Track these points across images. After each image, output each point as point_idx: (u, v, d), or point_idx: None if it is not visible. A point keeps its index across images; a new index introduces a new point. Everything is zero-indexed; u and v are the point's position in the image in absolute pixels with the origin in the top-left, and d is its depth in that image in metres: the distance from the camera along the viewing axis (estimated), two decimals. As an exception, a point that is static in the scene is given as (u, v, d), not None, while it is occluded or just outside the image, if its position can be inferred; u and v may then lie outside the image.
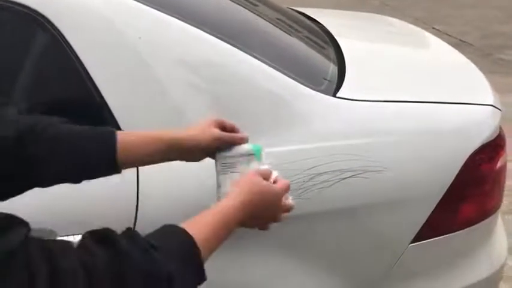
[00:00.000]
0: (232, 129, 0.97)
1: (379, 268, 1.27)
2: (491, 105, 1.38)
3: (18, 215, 0.63)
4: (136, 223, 1.06)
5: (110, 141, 0.89)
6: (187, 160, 0.97)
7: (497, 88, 1.56)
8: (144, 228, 1.06)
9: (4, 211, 0.63)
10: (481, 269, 1.39)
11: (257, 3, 1.74)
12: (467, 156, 1.25)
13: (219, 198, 0.91)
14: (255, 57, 1.21)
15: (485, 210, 1.35)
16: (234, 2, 1.59)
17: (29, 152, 0.85)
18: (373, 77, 1.44)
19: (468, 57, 1.73)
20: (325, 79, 1.35)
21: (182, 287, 0.71)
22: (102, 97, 1.07)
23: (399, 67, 1.57)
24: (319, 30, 1.76)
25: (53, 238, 0.64)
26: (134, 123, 1.07)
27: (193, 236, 0.73)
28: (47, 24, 1.05)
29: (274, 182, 0.90)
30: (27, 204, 0.84)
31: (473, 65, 1.65)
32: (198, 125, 0.95)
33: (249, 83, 1.19)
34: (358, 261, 1.25)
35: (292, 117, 1.18)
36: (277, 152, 1.08)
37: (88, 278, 0.62)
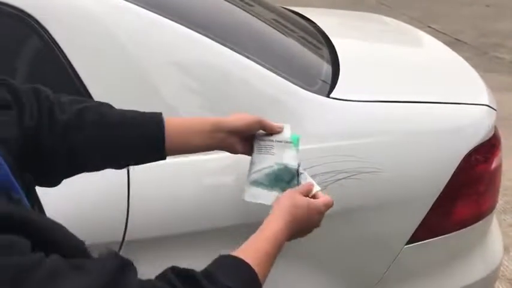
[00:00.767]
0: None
1: (375, 269, 1.27)
2: (487, 105, 1.37)
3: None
4: (127, 226, 1.05)
5: (159, 127, 0.90)
6: (229, 149, 0.99)
7: (492, 87, 1.55)
8: (135, 229, 1.06)
9: None
10: (476, 270, 1.39)
11: (252, 3, 1.73)
12: (462, 156, 1.24)
13: (249, 174, 0.98)
14: (248, 57, 1.20)
15: (481, 211, 1.34)
16: (229, 2, 1.58)
17: (76, 137, 0.85)
18: (367, 77, 1.43)
19: (463, 56, 1.72)
20: (319, 79, 1.34)
21: None
22: (91, 97, 1.05)
23: (394, 67, 1.56)
24: (314, 30, 1.75)
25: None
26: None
27: (255, 268, 0.75)
28: (36, 25, 1.03)
29: (314, 196, 0.94)
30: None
31: (468, 65, 1.64)
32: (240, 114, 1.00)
33: (242, 84, 1.18)
34: (353, 262, 1.25)
35: (286, 117, 1.16)
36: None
37: None
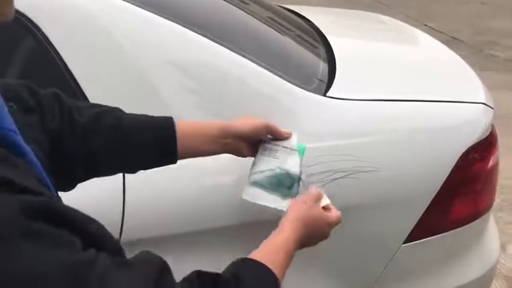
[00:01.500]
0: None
1: (373, 268, 1.26)
2: (483, 103, 1.37)
3: None
4: (123, 227, 1.05)
5: (170, 132, 0.91)
6: (236, 153, 1.00)
7: (488, 85, 1.55)
8: (131, 229, 1.05)
9: None
10: (473, 269, 1.39)
11: (248, 1, 1.72)
12: (459, 155, 1.24)
13: (250, 174, 0.98)
14: (244, 56, 1.19)
15: (478, 210, 1.34)
16: (225, 1, 1.57)
17: (91, 141, 0.86)
18: (364, 76, 1.43)
19: (460, 54, 1.72)
20: (315, 78, 1.33)
21: None
22: (86, 99, 1.04)
23: (390, 65, 1.56)
24: (310, 29, 1.74)
25: None
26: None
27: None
28: (29, 24, 1.02)
29: (325, 208, 0.95)
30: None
31: (464, 63, 1.64)
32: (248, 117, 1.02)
33: (238, 83, 1.17)
34: (351, 261, 1.24)
35: (282, 116, 1.16)
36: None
37: None
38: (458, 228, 1.30)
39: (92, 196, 0.97)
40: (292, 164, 0.99)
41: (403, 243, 1.24)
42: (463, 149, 1.24)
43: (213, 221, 1.11)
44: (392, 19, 2.25)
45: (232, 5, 1.60)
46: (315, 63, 1.43)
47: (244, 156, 1.01)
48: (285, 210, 0.93)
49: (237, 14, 1.57)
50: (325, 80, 1.33)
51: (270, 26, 1.64)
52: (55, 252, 0.48)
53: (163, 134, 0.91)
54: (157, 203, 1.08)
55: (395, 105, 1.28)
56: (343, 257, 1.23)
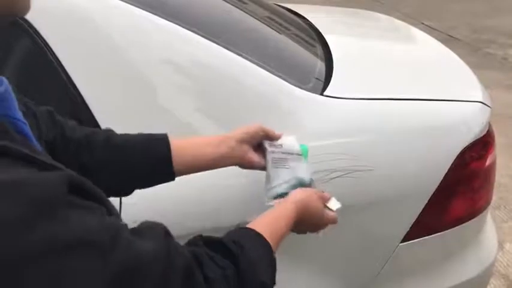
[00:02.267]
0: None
1: (370, 267, 1.26)
2: (480, 102, 1.37)
3: None
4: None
5: (163, 144, 0.90)
6: (240, 160, 0.99)
7: (485, 83, 1.55)
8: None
9: None
10: (471, 267, 1.39)
11: (246, 1, 1.71)
12: (456, 154, 1.24)
13: (268, 189, 0.99)
14: (241, 55, 1.19)
15: (475, 208, 1.34)
16: (222, 0, 1.57)
17: (83, 156, 0.86)
18: (361, 75, 1.42)
19: (457, 53, 1.72)
20: (312, 77, 1.33)
21: None
22: (83, 98, 1.04)
23: (387, 64, 1.56)
24: (307, 28, 1.74)
25: None
26: (122, 125, 1.05)
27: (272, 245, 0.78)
28: (24, 23, 1.02)
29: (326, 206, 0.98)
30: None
31: (461, 61, 1.64)
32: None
33: (236, 82, 1.17)
34: (348, 261, 1.24)
35: (279, 116, 1.16)
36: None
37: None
38: (455, 227, 1.30)
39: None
40: (303, 171, 1.02)
41: (401, 242, 1.24)
42: (460, 147, 1.24)
43: (213, 220, 1.11)
44: (389, 17, 2.25)
45: (230, 4, 1.59)
46: (312, 62, 1.43)
47: (250, 164, 1.00)
48: None
49: (234, 13, 1.57)
50: (323, 78, 1.33)
51: (267, 26, 1.64)
52: (96, 218, 0.53)
53: (155, 148, 0.90)
54: (156, 202, 1.08)
55: (393, 104, 1.28)
56: (340, 256, 1.23)
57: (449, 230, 1.29)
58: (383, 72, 1.47)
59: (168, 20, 1.14)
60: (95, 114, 1.03)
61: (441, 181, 1.22)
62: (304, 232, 0.97)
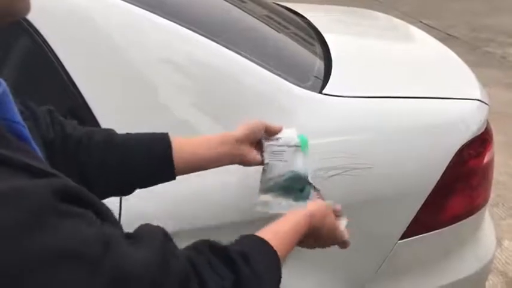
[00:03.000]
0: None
1: (369, 265, 1.27)
2: (478, 100, 1.37)
3: None
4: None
5: (164, 142, 0.89)
6: (241, 158, 0.98)
7: (483, 81, 1.56)
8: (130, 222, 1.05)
9: None
10: (469, 264, 1.39)
11: (245, -1, 1.72)
12: (454, 151, 1.24)
13: (262, 182, 0.98)
14: (240, 54, 1.19)
15: (473, 206, 1.35)
16: (221, -1, 1.57)
17: (85, 158, 0.85)
18: (360, 73, 1.43)
19: (455, 51, 1.73)
20: (311, 75, 1.33)
21: None
22: (83, 98, 1.04)
23: (386, 62, 1.56)
24: (306, 26, 1.75)
25: None
26: (122, 124, 1.05)
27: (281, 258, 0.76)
28: (23, 22, 1.02)
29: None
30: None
31: (460, 60, 1.65)
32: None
33: (235, 81, 1.17)
34: (347, 259, 1.24)
35: (278, 114, 1.16)
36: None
37: None
38: (454, 224, 1.31)
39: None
40: (300, 164, 1.00)
41: (399, 240, 1.25)
42: (458, 145, 1.25)
43: (213, 220, 1.11)
44: (387, 16, 2.25)
45: (229, 3, 1.60)
46: (311, 61, 1.44)
47: (250, 163, 1.00)
48: None
49: (233, 11, 1.57)
50: (321, 77, 1.33)
51: (266, 24, 1.64)
52: (87, 228, 0.51)
53: (156, 146, 0.89)
54: (155, 201, 1.08)
55: (391, 102, 1.29)
56: (338, 254, 1.23)
57: (447, 228, 1.30)
58: (381, 71, 1.47)
59: (167, 19, 1.14)
60: (95, 113, 1.04)
61: (439, 179, 1.23)
62: (313, 247, 0.94)
